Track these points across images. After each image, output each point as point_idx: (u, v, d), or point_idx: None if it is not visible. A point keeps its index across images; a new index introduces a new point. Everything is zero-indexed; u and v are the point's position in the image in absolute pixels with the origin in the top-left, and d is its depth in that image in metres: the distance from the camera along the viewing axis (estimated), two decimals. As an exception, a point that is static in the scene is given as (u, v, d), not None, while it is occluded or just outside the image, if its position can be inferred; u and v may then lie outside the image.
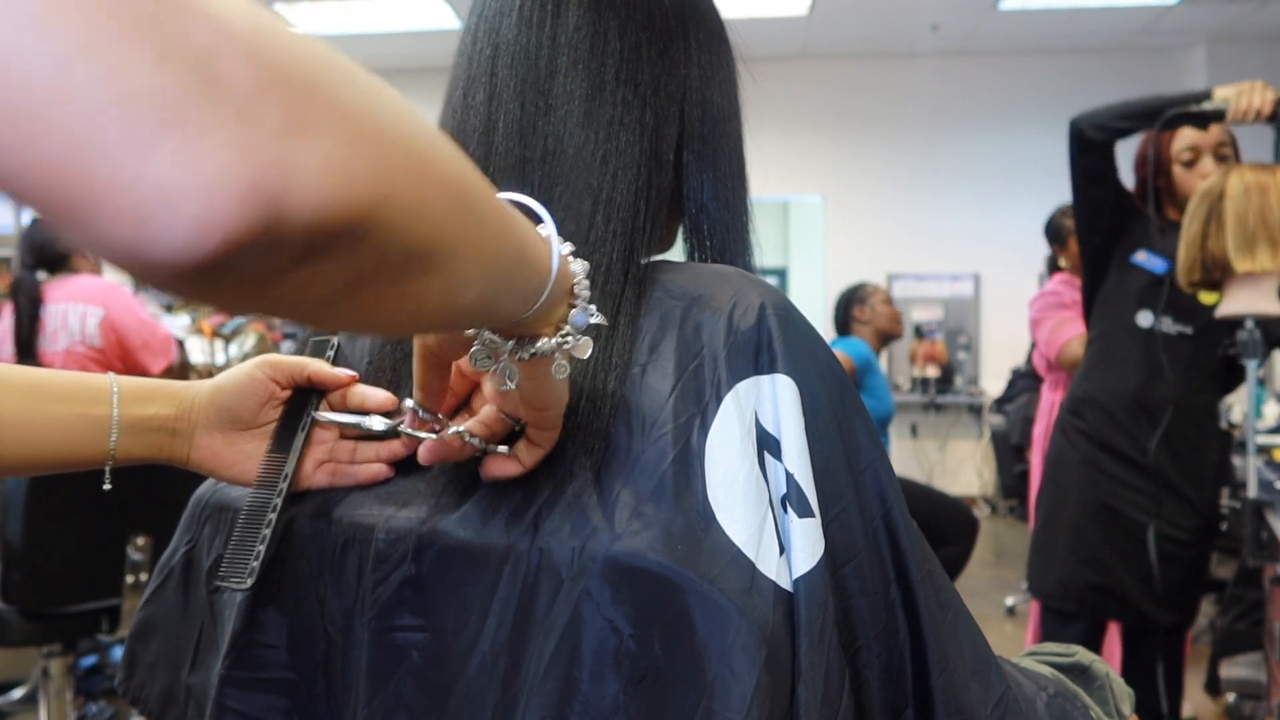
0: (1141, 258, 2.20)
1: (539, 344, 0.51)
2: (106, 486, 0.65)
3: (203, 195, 0.27)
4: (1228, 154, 2.21)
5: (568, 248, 0.51)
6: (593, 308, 0.52)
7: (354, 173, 0.31)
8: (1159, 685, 2.22)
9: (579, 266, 0.52)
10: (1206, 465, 2.19)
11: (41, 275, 3.10)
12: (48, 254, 3.10)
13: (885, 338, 3.63)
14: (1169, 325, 2.16)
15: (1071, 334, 2.96)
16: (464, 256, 0.40)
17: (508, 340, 0.51)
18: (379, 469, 0.63)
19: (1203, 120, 2.09)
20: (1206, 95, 2.07)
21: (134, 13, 0.26)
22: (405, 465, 0.63)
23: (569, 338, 0.52)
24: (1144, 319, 2.18)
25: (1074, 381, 2.34)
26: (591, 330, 0.53)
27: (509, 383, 0.52)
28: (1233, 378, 2.26)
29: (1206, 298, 2.11)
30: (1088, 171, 2.21)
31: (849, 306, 3.61)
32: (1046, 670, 0.74)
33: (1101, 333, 2.26)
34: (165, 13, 0.27)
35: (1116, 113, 2.19)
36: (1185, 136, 2.19)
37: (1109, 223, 2.24)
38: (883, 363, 7.05)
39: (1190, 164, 2.19)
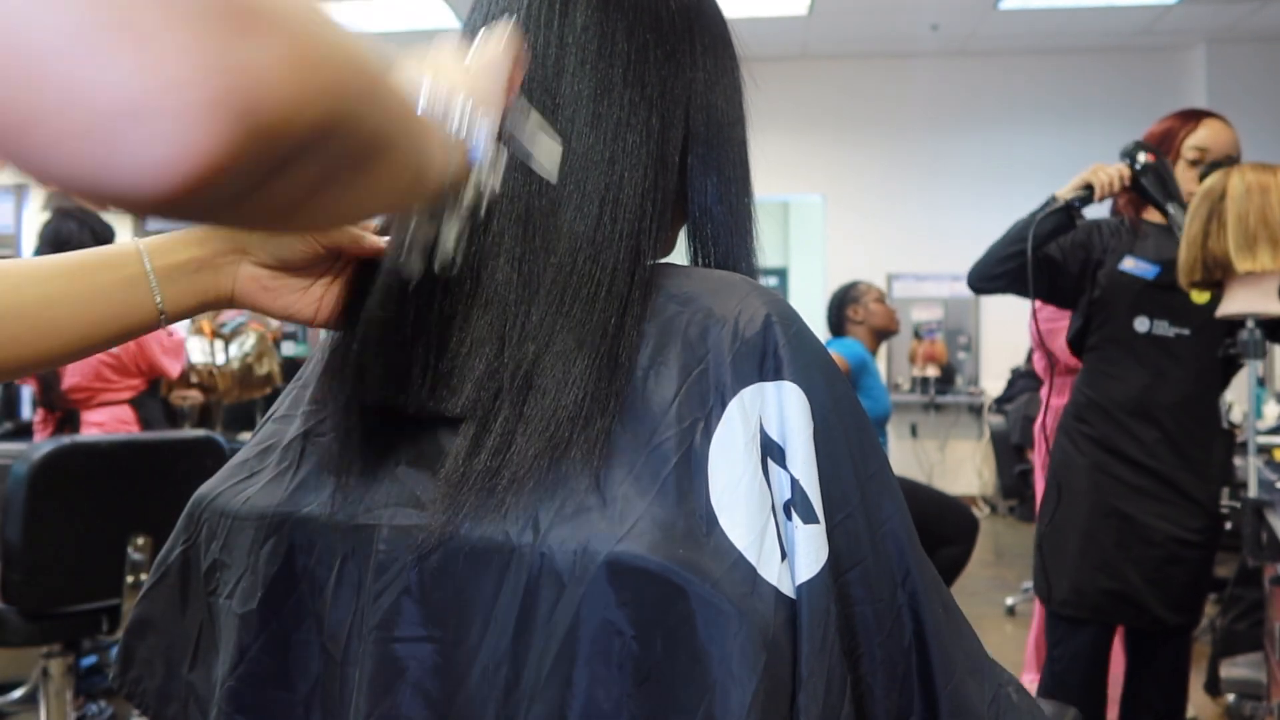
0: (1130, 265, 2.20)
1: (474, 182, 0.51)
2: (172, 332, 0.66)
3: (171, 110, 0.25)
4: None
5: (426, 81, 0.48)
6: (472, 120, 0.50)
7: (315, 70, 0.30)
8: (1166, 687, 2.22)
9: (436, 83, 0.48)
10: (1213, 465, 2.18)
11: None
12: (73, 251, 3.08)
13: (881, 336, 3.60)
14: (1166, 328, 2.16)
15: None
16: (400, 132, 0.41)
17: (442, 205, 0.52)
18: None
19: (1068, 213, 2.14)
20: (1053, 199, 2.14)
21: None
22: (409, 464, 0.63)
23: (482, 158, 0.51)
24: (1140, 324, 2.18)
25: (1076, 387, 2.33)
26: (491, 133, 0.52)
27: (452, 246, 0.53)
28: (1230, 373, 2.26)
29: (1199, 297, 2.12)
30: (1015, 288, 2.25)
31: (842, 307, 3.58)
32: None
33: (1100, 340, 2.25)
34: None
35: (993, 258, 2.24)
36: (1200, 136, 2.19)
37: (1071, 283, 2.27)
38: (882, 363, 7.09)
39: (1194, 163, 2.19)
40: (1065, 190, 2.13)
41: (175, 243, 0.64)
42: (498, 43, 0.56)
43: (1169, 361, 2.14)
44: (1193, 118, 2.25)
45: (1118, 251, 2.23)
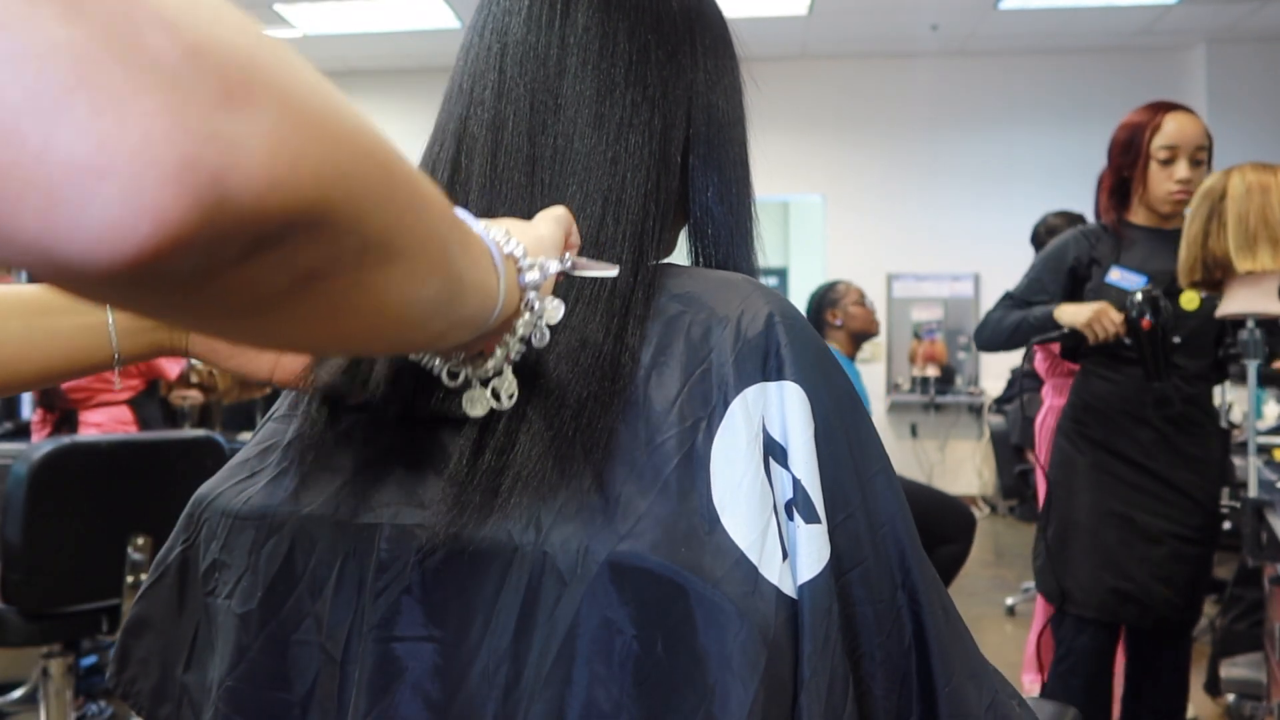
0: (1117, 277, 2.20)
1: (519, 329, 0.51)
2: (116, 385, 0.67)
3: (125, 173, 0.23)
4: (1203, 158, 2.21)
5: (483, 223, 0.49)
6: (531, 260, 0.51)
7: (304, 151, 0.28)
8: (1167, 688, 2.22)
9: (499, 232, 0.49)
10: (1210, 464, 2.19)
11: None
12: None
13: (859, 339, 3.56)
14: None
15: None
16: (420, 243, 0.37)
17: (483, 358, 0.52)
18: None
19: (1064, 340, 2.23)
20: (1055, 324, 2.21)
21: None
22: (411, 464, 0.63)
23: (534, 302, 0.51)
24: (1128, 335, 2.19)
25: (1073, 390, 2.34)
26: (551, 283, 0.53)
27: (507, 402, 0.53)
28: (1224, 374, 2.27)
29: (1188, 303, 2.12)
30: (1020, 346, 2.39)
31: (820, 310, 3.52)
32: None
33: (1093, 349, 2.26)
34: None
35: (998, 341, 2.40)
36: (1166, 134, 2.18)
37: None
38: (882, 363, 7.08)
39: (1167, 163, 2.18)
40: (1067, 317, 2.17)
41: None
42: (551, 215, 0.57)
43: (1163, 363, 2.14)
44: (1155, 112, 2.22)
45: (1103, 262, 2.23)
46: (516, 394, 0.55)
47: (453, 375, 0.54)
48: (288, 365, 0.67)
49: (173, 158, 0.24)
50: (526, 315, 0.51)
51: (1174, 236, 2.20)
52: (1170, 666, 2.23)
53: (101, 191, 0.23)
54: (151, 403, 3.31)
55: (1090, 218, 2.41)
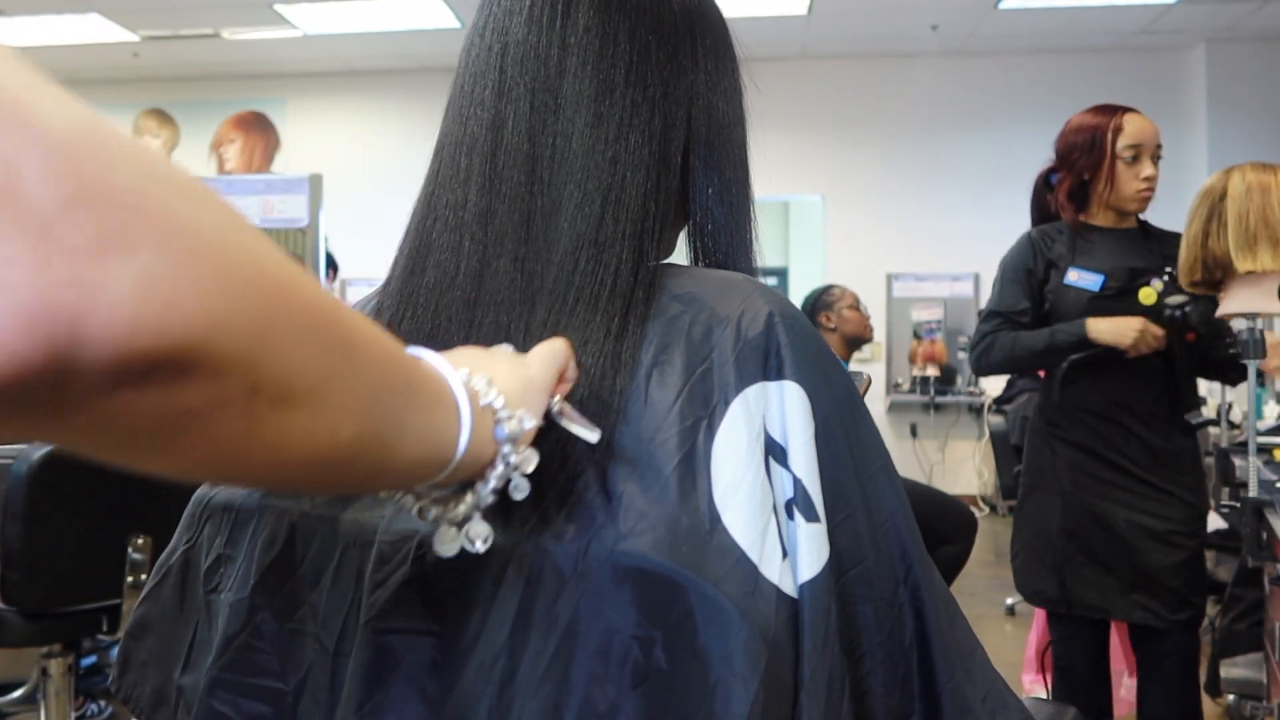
0: (1075, 278, 2.21)
1: (492, 480, 0.49)
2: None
3: None
4: (1160, 155, 2.25)
5: (464, 371, 0.47)
6: (509, 412, 0.49)
7: (179, 294, 0.28)
8: (1174, 689, 2.21)
9: (481, 381, 0.48)
10: (1184, 457, 2.20)
11: None
12: None
13: (853, 344, 3.56)
14: None
15: None
16: (333, 390, 0.36)
17: (460, 498, 0.50)
18: None
19: (1097, 359, 2.19)
20: (1089, 343, 2.16)
21: None
22: None
23: (510, 456, 0.49)
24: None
25: (1042, 391, 2.35)
26: (529, 435, 0.51)
27: (481, 546, 0.51)
28: (1179, 369, 2.25)
29: (1145, 298, 2.13)
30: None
31: (814, 313, 3.51)
32: None
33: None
34: None
35: (1009, 365, 2.34)
36: (1130, 134, 2.20)
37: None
38: (882, 364, 7.08)
39: (1133, 161, 2.20)
40: (1106, 336, 2.13)
41: None
42: (546, 351, 0.55)
43: (1135, 362, 2.15)
44: (1112, 112, 2.24)
45: (1060, 264, 2.24)
46: (491, 538, 0.52)
47: (422, 513, 0.52)
48: None
49: (26, 302, 0.25)
50: (501, 468, 0.49)
51: (1129, 235, 2.25)
52: (1178, 669, 2.22)
53: None
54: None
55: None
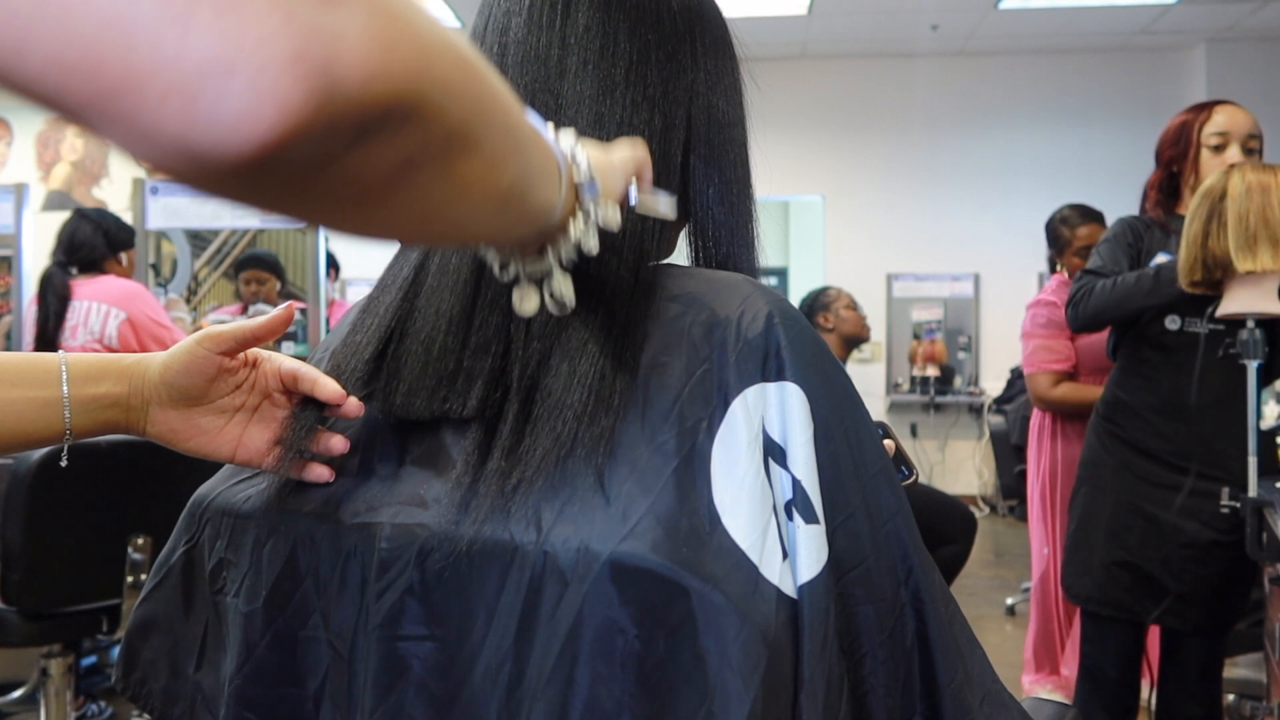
0: (1161, 261, 2.18)
1: (573, 232, 0.53)
2: (63, 463, 0.68)
3: (250, 67, 0.25)
4: (1255, 146, 2.20)
5: (549, 124, 0.51)
6: (593, 171, 0.52)
7: (395, 44, 0.30)
8: (1194, 692, 2.20)
9: (568, 139, 0.52)
10: (1245, 463, 2.16)
11: (73, 271, 3.12)
12: (84, 255, 3.13)
13: (851, 344, 3.57)
14: (1199, 325, 2.14)
15: (1043, 367, 2.97)
16: (497, 137, 0.39)
17: (542, 258, 0.53)
18: (322, 471, 0.64)
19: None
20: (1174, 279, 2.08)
21: None
22: (412, 464, 0.63)
23: (591, 209, 0.53)
24: (1171, 322, 2.17)
25: (1107, 387, 2.33)
26: (608, 195, 0.54)
27: (568, 300, 0.55)
28: (1274, 372, 2.23)
29: None
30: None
31: (811, 314, 3.52)
32: None
33: (1133, 338, 2.24)
34: None
35: (1108, 307, 2.20)
36: (1216, 123, 2.18)
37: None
38: (881, 364, 7.08)
39: (1218, 149, 2.17)
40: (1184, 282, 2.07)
41: (99, 370, 0.65)
42: (629, 146, 0.58)
43: (1201, 359, 2.12)
44: (1205, 108, 2.23)
45: (1150, 249, 2.22)
46: (571, 301, 0.56)
47: (504, 268, 0.56)
48: (250, 446, 0.66)
49: (286, 51, 0.26)
50: (580, 218, 0.53)
51: None
52: (1196, 671, 2.20)
53: (231, 86, 0.25)
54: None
55: (1109, 214, 2.39)
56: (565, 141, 0.52)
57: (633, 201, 0.57)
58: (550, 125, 0.51)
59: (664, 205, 0.58)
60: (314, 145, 0.28)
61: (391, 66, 0.30)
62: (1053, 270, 3.39)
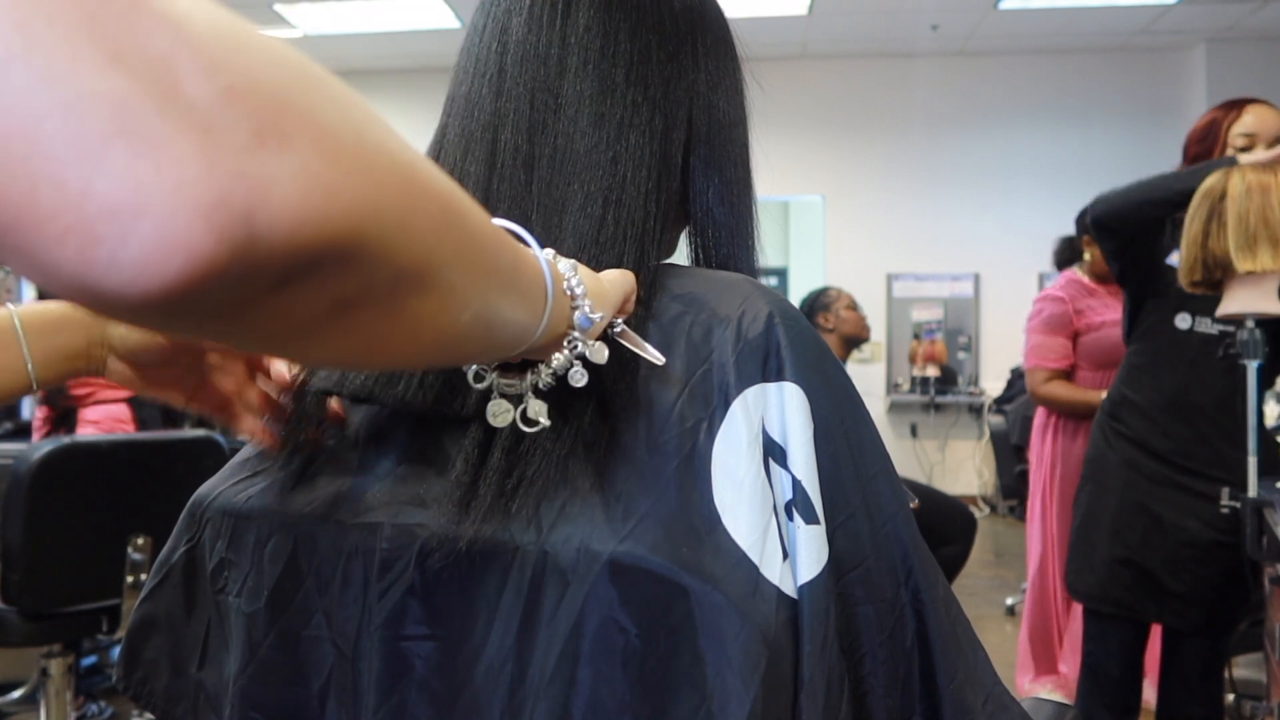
0: (1175, 259, 2.17)
1: (554, 362, 0.52)
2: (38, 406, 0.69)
3: (159, 213, 0.24)
4: None
5: (550, 252, 0.49)
6: (590, 303, 0.51)
7: (336, 186, 0.29)
8: (1196, 692, 2.20)
9: (566, 265, 0.50)
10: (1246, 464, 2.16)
11: None
12: None
13: (851, 344, 3.58)
14: (1209, 326, 2.13)
15: (1038, 363, 2.96)
16: (458, 273, 0.37)
17: (521, 375, 0.52)
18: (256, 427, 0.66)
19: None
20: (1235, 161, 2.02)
21: (81, 13, 0.24)
22: (412, 463, 0.63)
23: (579, 344, 0.52)
24: (1182, 321, 2.16)
25: (1114, 384, 2.32)
26: (598, 330, 0.53)
27: (543, 420, 0.53)
28: (1276, 372, 2.23)
29: None
30: (1124, 245, 2.17)
31: (811, 314, 3.52)
32: None
33: (1141, 335, 2.24)
34: (117, 15, 0.24)
35: (1138, 192, 2.10)
36: (1245, 123, 2.16)
37: (1143, 274, 2.22)
38: (881, 364, 7.08)
39: (1244, 150, 2.14)
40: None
41: (56, 322, 0.66)
42: (619, 274, 0.57)
43: (1210, 359, 2.11)
44: (1235, 106, 2.21)
45: (1169, 245, 2.21)
46: (544, 421, 0.54)
47: (479, 377, 0.55)
48: (208, 395, 0.68)
49: (205, 198, 0.25)
50: (565, 351, 0.51)
51: None
52: (1198, 672, 2.20)
53: (137, 230, 0.24)
54: (151, 401, 3.31)
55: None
56: (563, 265, 0.49)
57: (616, 330, 0.56)
58: (550, 251, 0.49)
59: (647, 351, 0.56)
60: (227, 290, 0.27)
61: (330, 210, 0.29)
62: (1061, 268, 3.37)
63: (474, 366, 0.55)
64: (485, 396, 0.59)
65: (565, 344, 0.51)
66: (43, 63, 0.23)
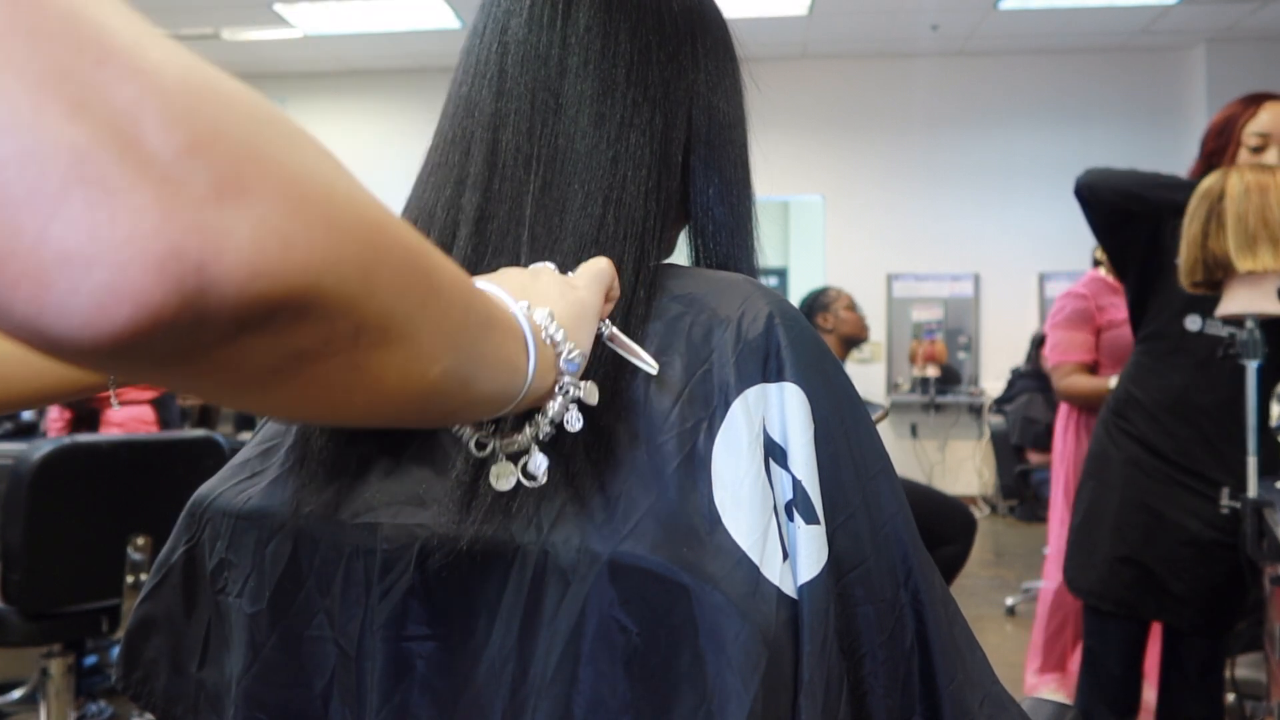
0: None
1: (550, 411, 0.51)
2: (115, 405, 0.74)
3: (111, 262, 0.25)
4: None
5: (524, 304, 0.48)
6: (572, 345, 0.50)
7: (294, 240, 0.29)
8: (1197, 693, 2.20)
9: (542, 315, 0.49)
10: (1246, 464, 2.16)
11: None
12: None
13: (850, 344, 3.58)
14: (1219, 328, 2.13)
15: (1065, 359, 2.96)
16: (425, 326, 0.37)
17: (518, 430, 0.52)
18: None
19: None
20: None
21: (47, 65, 0.24)
22: (412, 463, 0.63)
23: (570, 389, 0.51)
24: (1192, 323, 2.16)
25: (1120, 383, 2.32)
26: (582, 368, 0.52)
27: (540, 477, 0.52)
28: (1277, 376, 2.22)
29: None
30: (1110, 219, 2.18)
31: (811, 314, 3.53)
32: None
33: (1149, 334, 2.23)
34: (84, 66, 0.25)
35: (1135, 186, 2.13)
36: (1260, 121, 2.15)
37: (1140, 264, 2.21)
38: (882, 364, 7.08)
39: (1257, 150, 2.13)
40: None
41: None
42: (593, 271, 0.56)
43: (1217, 361, 2.10)
44: (1253, 103, 2.19)
45: (1175, 249, 2.20)
46: (543, 478, 0.53)
47: (480, 446, 0.54)
48: None
49: (157, 248, 0.25)
50: (559, 399, 0.51)
51: None
52: (1197, 672, 2.20)
53: (89, 278, 0.25)
54: (173, 402, 3.32)
55: None
56: (539, 316, 0.48)
57: (605, 335, 0.55)
58: (525, 302, 0.48)
59: (639, 357, 0.56)
60: (178, 339, 0.27)
61: (286, 263, 0.29)
62: (1096, 262, 3.36)
63: (475, 436, 0.53)
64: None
65: (557, 389, 0.50)
66: (7, 112, 0.23)
